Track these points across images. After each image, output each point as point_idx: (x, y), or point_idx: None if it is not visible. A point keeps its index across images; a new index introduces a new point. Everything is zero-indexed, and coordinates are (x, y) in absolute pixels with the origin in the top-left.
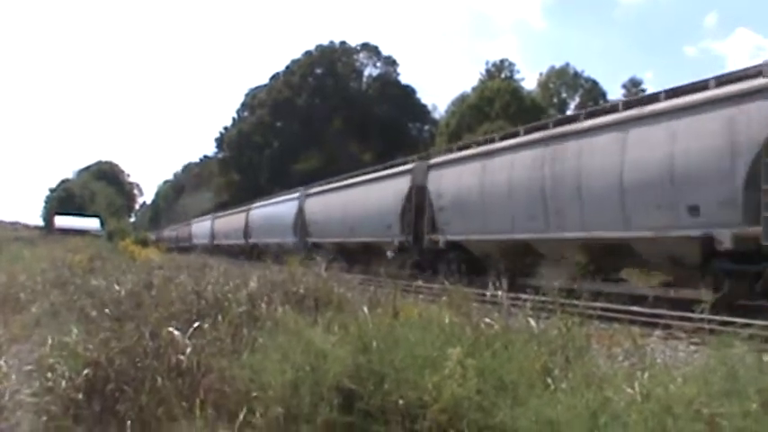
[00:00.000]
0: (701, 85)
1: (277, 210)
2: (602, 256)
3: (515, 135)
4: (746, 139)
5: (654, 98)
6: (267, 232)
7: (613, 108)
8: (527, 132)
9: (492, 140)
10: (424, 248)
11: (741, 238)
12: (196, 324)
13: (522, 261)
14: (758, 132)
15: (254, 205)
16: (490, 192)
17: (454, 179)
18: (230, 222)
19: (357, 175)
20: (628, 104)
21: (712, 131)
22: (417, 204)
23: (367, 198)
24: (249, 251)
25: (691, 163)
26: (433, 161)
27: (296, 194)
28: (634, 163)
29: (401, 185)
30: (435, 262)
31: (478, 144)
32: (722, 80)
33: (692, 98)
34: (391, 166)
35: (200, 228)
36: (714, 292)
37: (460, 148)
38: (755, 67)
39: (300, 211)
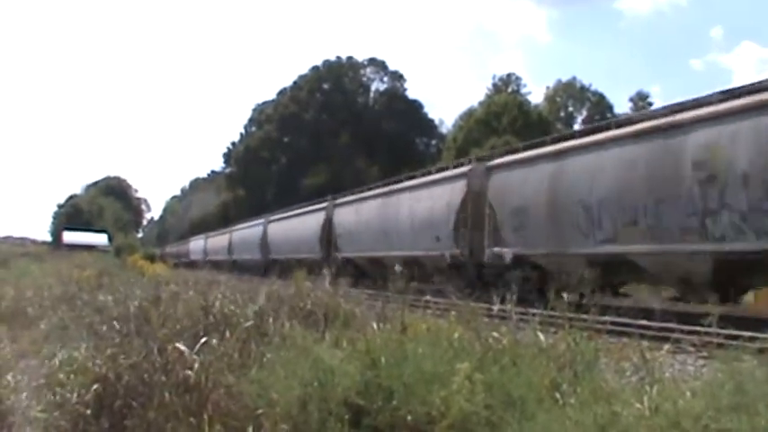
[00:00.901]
0: (445, 167)
1: (249, 232)
2: (411, 267)
3: (375, 188)
4: (454, 201)
5: (428, 173)
6: (243, 250)
7: (414, 176)
8: (384, 185)
9: (364, 191)
10: (331, 263)
11: (453, 256)
12: (204, 339)
13: (383, 270)
14: (457, 198)
15: (235, 228)
16: (362, 225)
17: (346, 215)
18: (219, 241)
19: (300, 207)
20: (423, 174)
21: (444, 196)
22: (328, 232)
23: (302, 225)
24: (232, 264)
25: (437, 213)
26: (337, 201)
27: (261, 220)
28: (419, 211)
29: (319, 218)
30: (340, 272)
31: (359, 192)
32: (456, 164)
33: (438, 176)
34: (316, 203)
35: (196, 245)
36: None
37: (353, 193)
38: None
39: (264, 233)
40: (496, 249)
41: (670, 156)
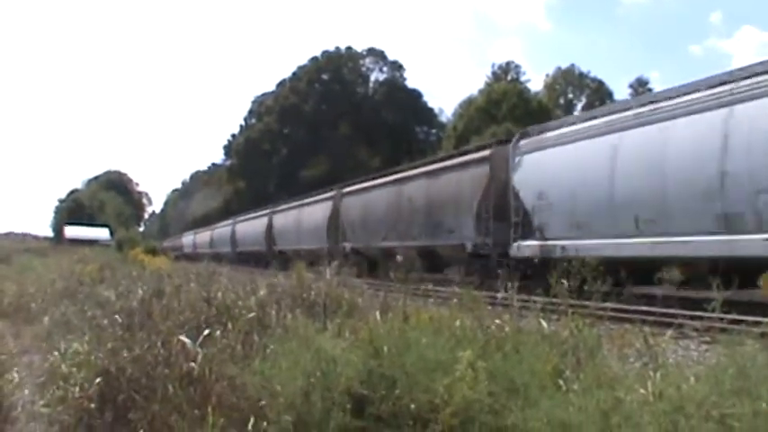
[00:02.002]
0: (322, 191)
1: (224, 230)
2: (308, 256)
3: (294, 201)
4: (326, 215)
5: (318, 194)
6: (220, 244)
7: (310, 195)
8: (298, 200)
9: (286, 202)
10: (274, 253)
11: (328, 248)
12: (207, 332)
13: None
14: (327, 212)
15: (216, 226)
16: (288, 227)
17: (280, 220)
18: (203, 237)
19: (255, 212)
20: (315, 195)
21: (322, 211)
22: (270, 231)
23: (253, 227)
24: (214, 256)
25: (319, 221)
26: (275, 209)
27: (230, 221)
28: (312, 219)
29: (264, 221)
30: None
31: (289, 202)
32: (328, 190)
33: (319, 197)
34: (262, 210)
35: (187, 240)
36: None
37: (286, 203)
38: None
39: (233, 231)
40: (344, 243)
41: (402, 195)
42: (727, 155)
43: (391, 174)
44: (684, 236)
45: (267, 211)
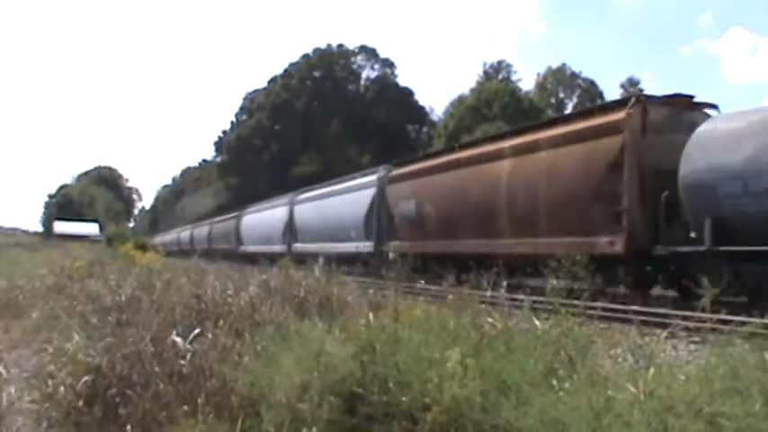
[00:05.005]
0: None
1: (224, 225)
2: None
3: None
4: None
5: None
6: (198, 242)
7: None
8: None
9: (243, 209)
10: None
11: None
12: (197, 330)
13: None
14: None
15: (196, 225)
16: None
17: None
18: (183, 235)
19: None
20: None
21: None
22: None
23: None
24: (192, 252)
25: (223, 230)
26: (244, 210)
27: (234, 213)
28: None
29: (233, 222)
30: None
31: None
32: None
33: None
34: (226, 214)
35: (168, 237)
36: None
37: (241, 209)
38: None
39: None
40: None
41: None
42: None
43: (316, 189)
44: None
45: (234, 213)
